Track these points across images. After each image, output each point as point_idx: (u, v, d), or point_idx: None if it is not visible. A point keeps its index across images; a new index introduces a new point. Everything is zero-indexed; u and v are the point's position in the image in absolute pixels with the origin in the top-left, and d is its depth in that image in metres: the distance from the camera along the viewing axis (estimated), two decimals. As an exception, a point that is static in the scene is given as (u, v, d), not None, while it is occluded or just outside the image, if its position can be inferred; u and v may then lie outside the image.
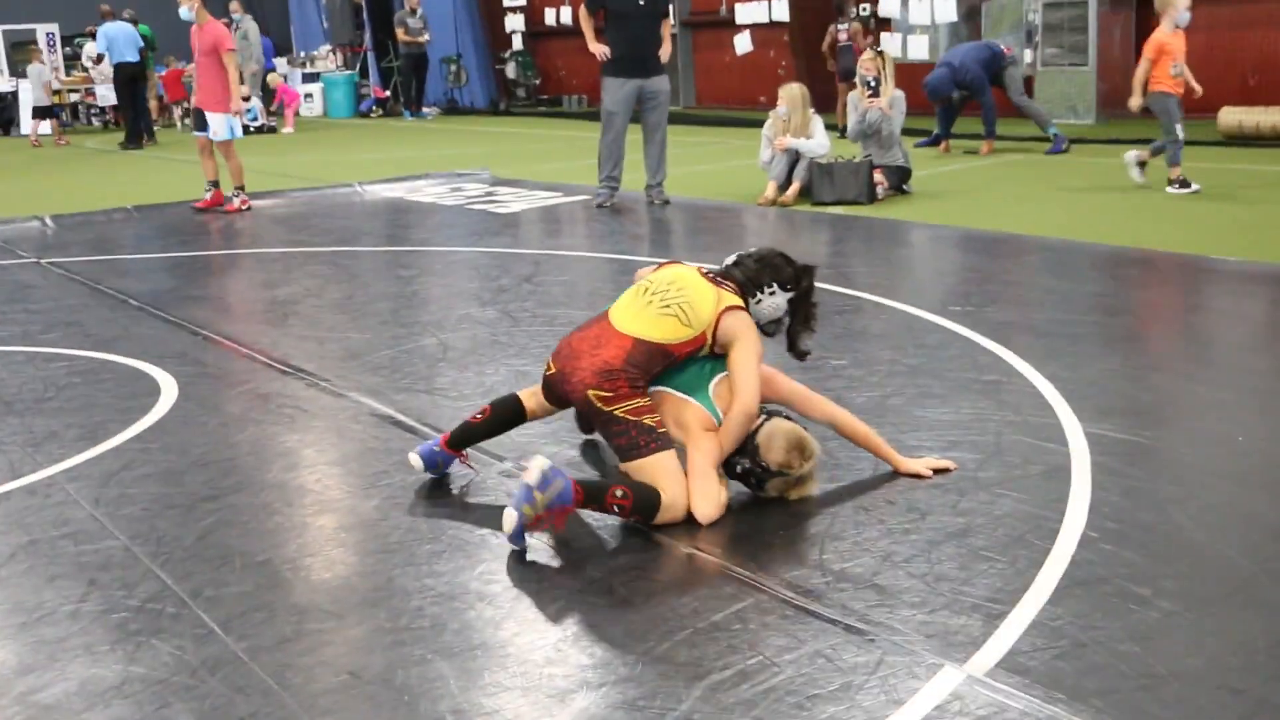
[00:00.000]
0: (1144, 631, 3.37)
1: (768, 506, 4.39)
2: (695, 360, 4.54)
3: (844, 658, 3.29)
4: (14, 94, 24.94)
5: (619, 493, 4.16)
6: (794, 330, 4.74)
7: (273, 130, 23.10)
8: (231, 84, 12.59)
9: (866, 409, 5.30)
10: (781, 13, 19.28)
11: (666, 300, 4.49)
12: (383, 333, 7.31)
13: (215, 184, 12.93)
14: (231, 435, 5.56)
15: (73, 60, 26.29)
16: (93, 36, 21.11)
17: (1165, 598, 3.53)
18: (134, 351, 7.02)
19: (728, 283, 4.60)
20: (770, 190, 11.33)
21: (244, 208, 12.80)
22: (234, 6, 23.66)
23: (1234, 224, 9.54)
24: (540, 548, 4.14)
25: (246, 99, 23.11)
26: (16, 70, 25.59)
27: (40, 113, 22.79)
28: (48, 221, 12.51)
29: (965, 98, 14.25)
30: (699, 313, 4.44)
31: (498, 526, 4.27)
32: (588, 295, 8.35)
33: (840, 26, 16.44)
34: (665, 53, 11.41)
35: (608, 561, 4.03)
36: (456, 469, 4.83)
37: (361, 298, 8.58)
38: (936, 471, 4.58)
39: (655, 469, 4.25)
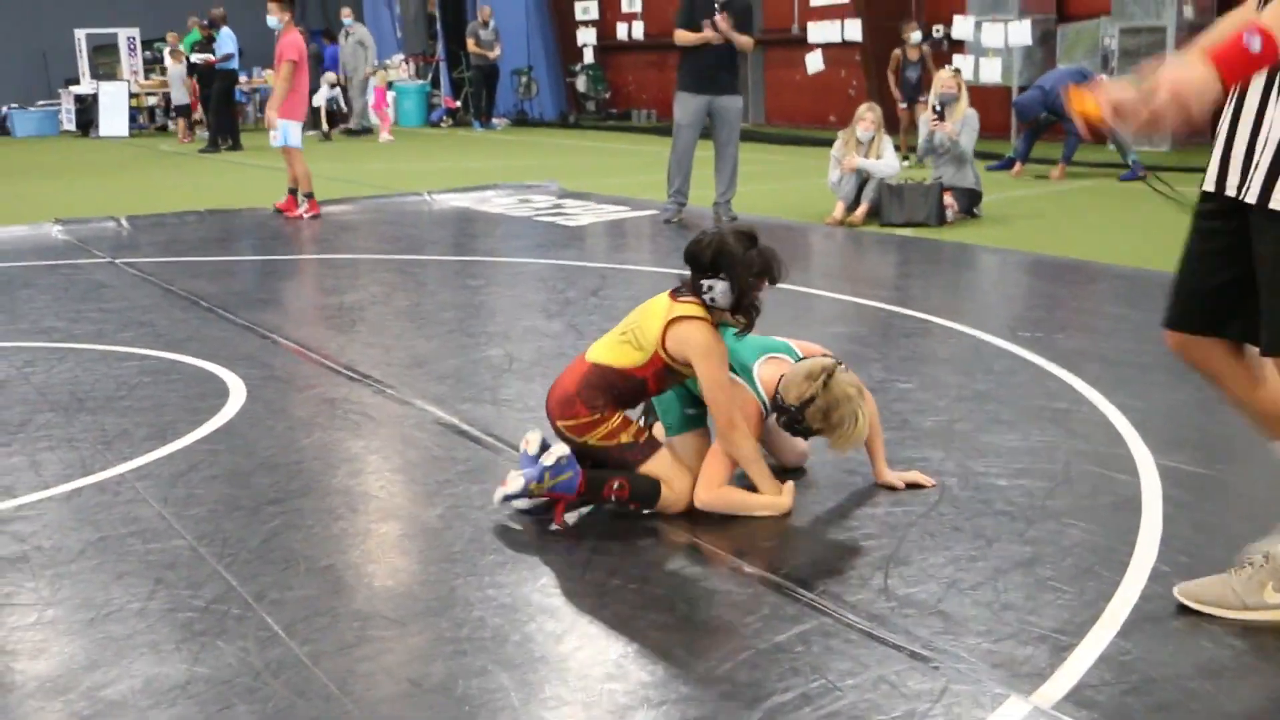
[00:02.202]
0: (1215, 670, 3.32)
1: (832, 528, 4.37)
2: (747, 343, 4.67)
3: (908, 684, 3.26)
4: (94, 96, 25.30)
5: (616, 484, 4.46)
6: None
7: (367, 131, 23.37)
8: (277, 94, 12.80)
9: (934, 433, 5.28)
10: (854, 33, 19.29)
11: (625, 328, 4.58)
12: (449, 341, 7.34)
13: (292, 189, 13.06)
14: (298, 439, 5.59)
15: (151, 64, 26.64)
16: (209, 39, 21.34)
17: (1237, 636, 3.47)
18: (204, 353, 7.09)
19: (685, 292, 4.54)
20: (838, 210, 11.30)
21: (310, 214, 12.90)
22: (345, 12, 24.12)
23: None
24: (601, 563, 4.14)
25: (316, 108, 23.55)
26: (98, 73, 25.95)
27: (180, 111, 23.27)
28: (123, 222, 12.66)
29: (1050, 121, 14.15)
30: (647, 334, 4.48)
31: (562, 539, 4.30)
32: (654, 310, 8.36)
33: (914, 42, 16.26)
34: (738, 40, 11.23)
35: (669, 579, 4.02)
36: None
37: (428, 306, 8.62)
38: (911, 486, 4.63)
39: (653, 472, 4.48)
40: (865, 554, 4.11)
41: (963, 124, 11.42)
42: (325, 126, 23.27)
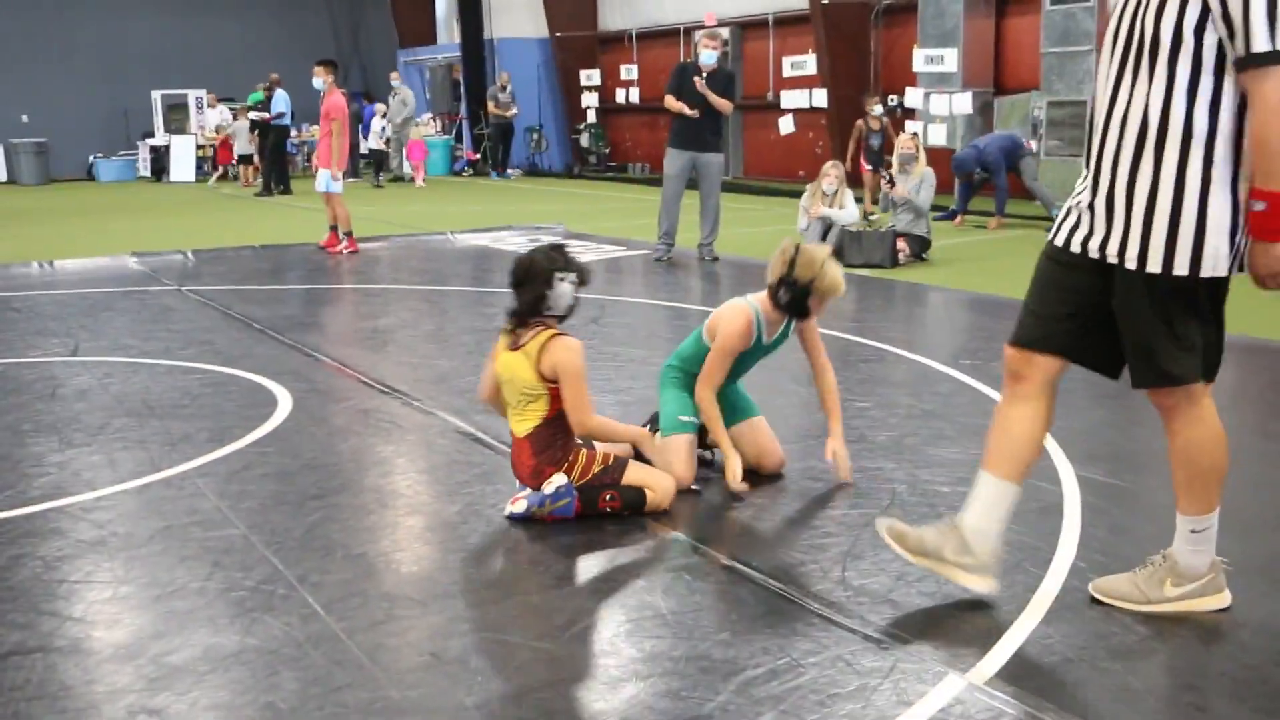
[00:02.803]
0: (1123, 652, 3.32)
1: (797, 527, 4.37)
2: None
3: (862, 662, 3.26)
4: (166, 147, 25.30)
5: (608, 496, 4.44)
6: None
7: (405, 179, 23.34)
8: (333, 148, 12.83)
9: (887, 446, 5.28)
10: (821, 100, 19.33)
11: (516, 397, 4.51)
12: (468, 361, 7.31)
13: (333, 228, 13.05)
14: (336, 444, 5.58)
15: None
16: (267, 100, 21.40)
17: (1142, 624, 3.47)
18: (256, 368, 7.07)
19: (528, 325, 4.51)
20: None
21: (349, 250, 12.88)
22: (394, 76, 24.26)
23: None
24: (595, 559, 4.13)
25: (365, 156, 23.57)
26: (170, 128, 25.93)
27: (243, 160, 23.31)
28: (189, 255, 12.64)
29: (984, 178, 14.20)
30: (528, 379, 4.44)
31: (564, 534, 4.30)
32: (646, 337, 8.34)
33: (875, 113, 16.19)
34: (718, 103, 11.23)
35: (656, 570, 4.01)
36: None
37: (450, 330, 8.61)
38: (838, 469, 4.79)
39: (634, 481, 4.48)
40: (826, 549, 4.10)
41: (921, 182, 11.44)
42: (379, 175, 23.26)
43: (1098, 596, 3.61)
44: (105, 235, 14.80)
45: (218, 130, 24.95)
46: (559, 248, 4.56)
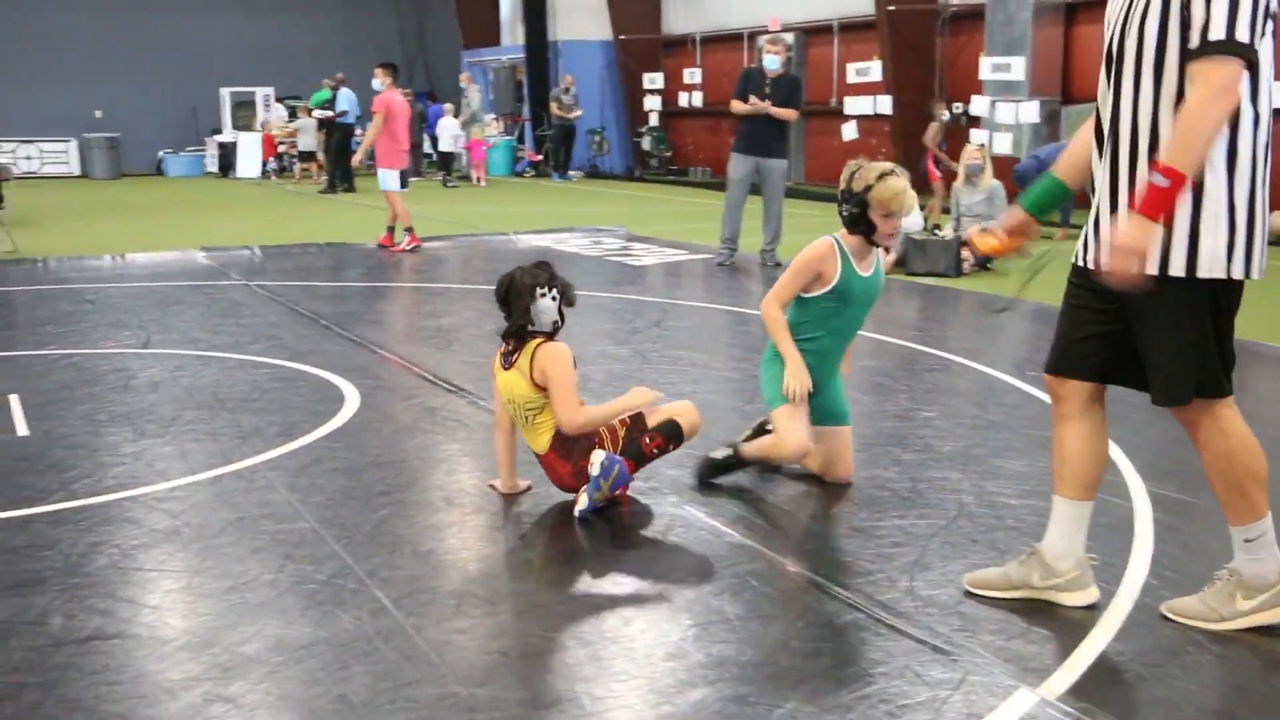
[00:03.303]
0: (1198, 671, 3.28)
1: (864, 536, 4.34)
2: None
3: (930, 674, 3.23)
4: (234, 144, 25.64)
5: (648, 439, 4.54)
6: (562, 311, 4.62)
7: (466, 179, 23.50)
8: (366, 142, 13.46)
9: (953, 456, 5.24)
10: (885, 106, 19.22)
11: (522, 415, 4.57)
12: (533, 362, 7.34)
13: (390, 228, 13.20)
14: (403, 441, 5.62)
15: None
16: (332, 98, 21.68)
17: (1216, 643, 3.42)
18: (323, 364, 7.14)
19: (524, 339, 4.55)
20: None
21: (409, 247, 13.00)
22: (463, 78, 24.56)
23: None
24: (662, 563, 4.13)
25: (429, 156, 23.75)
26: (237, 124, 26.26)
27: (305, 156, 23.63)
28: (256, 250, 12.78)
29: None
30: (525, 393, 4.51)
31: (630, 536, 4.30)
32: (707, 341, 8.34)
33: (945, 120, 16.07)
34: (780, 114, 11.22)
35: (723, 576, 3.99)
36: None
37: (515, 331, 8.63)
38: None
39: (662, 416, 4.58)
40: (893, 559, 4.08)
41: (988, 194, 11.38)
42: (449, 174, 23.44)
43: (1171, 618, 3.57)
44: (174, 230, 15.00)
45: (262, 126, 25.33)
46: (543, 264, 4.61)
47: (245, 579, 3.91)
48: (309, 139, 23.62)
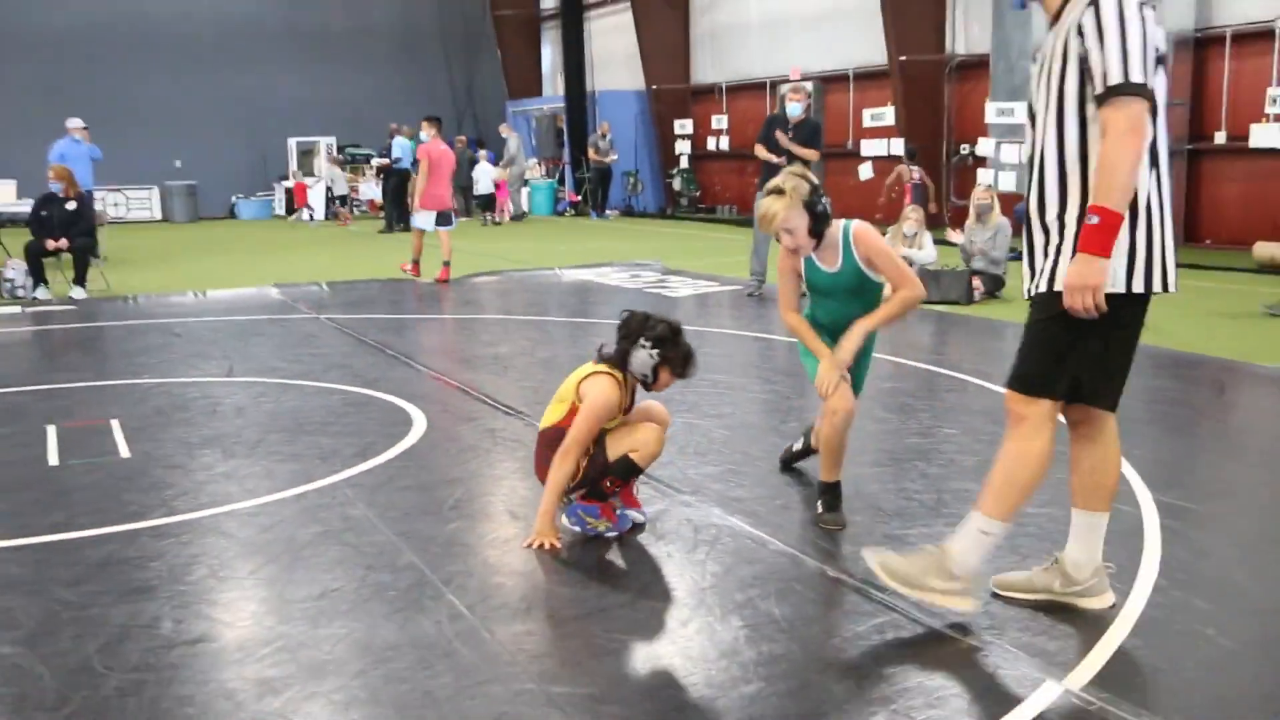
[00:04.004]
0: (1210, 663, 3.29)
1: (897, 544, 4.35)
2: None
3: (965, 668, 3.26)
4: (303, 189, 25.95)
5: (607, 483, 4.47)
6: (660, 370, 4.44)
7: (497, 223, 23.66)
8: (417, 190, 13.81)
9: (975, 469, 5.24)
10: (898, 149, 19.24)
11: (557, 394, 4.58)
12: (582, 386, 7.39)
13: (446, 263, 13.52)
14: (468, 460, 5.67)
15: (345, 164, 27.21)
16: (387, 148, 22.00)
17: (1227, 637, 3.44)
18: (392, 390, 7.21)
19: (604, 358, 4.51)
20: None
21: (410, 274, 13.60)
22: (503, 128, 24.79)
23: (1271, 336, 9.24)
24: (714, 570, 4.16)
25: (478, 198, 24.01)
26: (303, 171, 26.54)
27: (340, 200, 23.93)
28: (324, 286, 12.91)
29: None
30: (565, 391, 4.51)
31: (681, 541, 4.34)
32: (740, 365, 8.37)
33: (912, 168, 16.72)
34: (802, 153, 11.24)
35: (771, 580, 4.02)
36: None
37: (563, 358, 8.68)
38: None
39: (617, 451, 4.45)
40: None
41: (996, 231, 11.40)
42: (491, 214, 23.64)
43: (875, 568, 3.64)
44: (249, 268, 15.16)
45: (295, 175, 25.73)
46: (666, 323, 4.47)
47: (332, 587, 3.97)
48: (370, 186, 23.94)
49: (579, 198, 26.08)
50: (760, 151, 11.40)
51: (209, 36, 26.93)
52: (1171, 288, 3.34)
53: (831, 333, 4.67)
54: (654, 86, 25.46)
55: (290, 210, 25.92)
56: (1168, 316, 10.23)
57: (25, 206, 14.61)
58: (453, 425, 6.36)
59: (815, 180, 4.60)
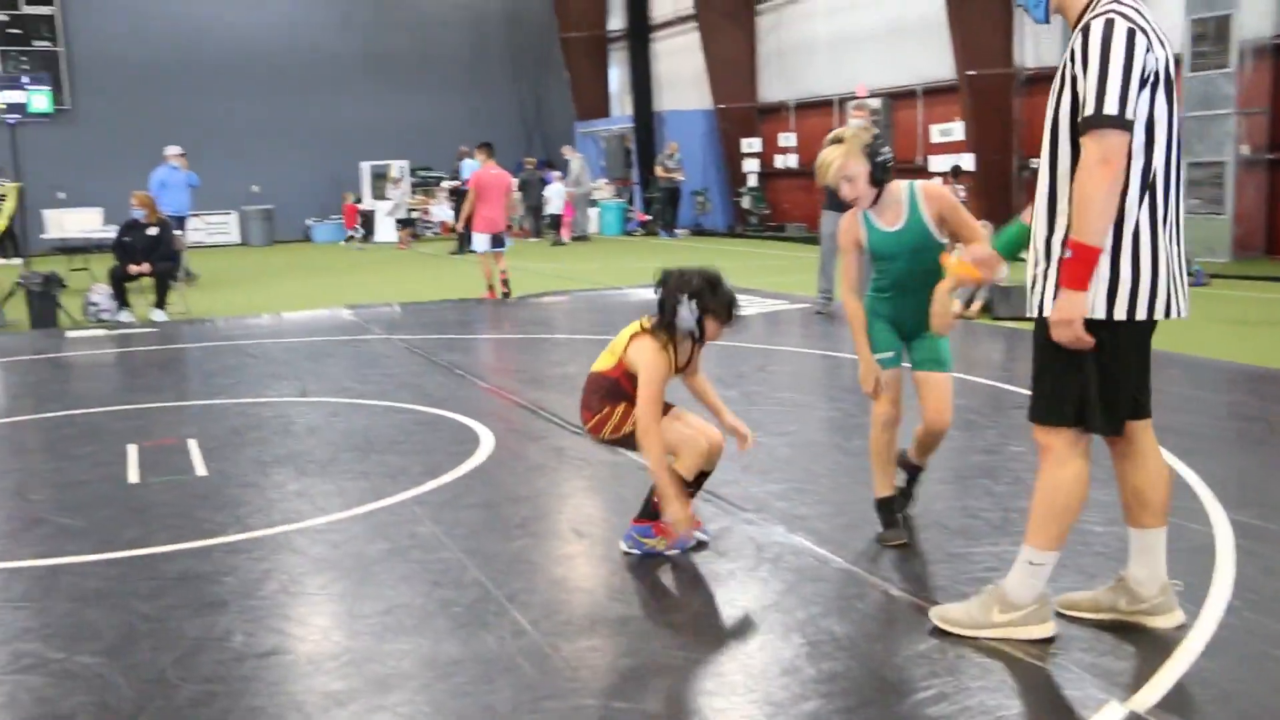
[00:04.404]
0: (1281, 686, 3.23)
1: (959, 561, 4.34)
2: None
3: (1026, 688, 3.23)
4: (372, 211, 26.34)
5: (656, 499, 4.43)
6: (705, 322, 4.40)
7: (561, 243, 23.85)
8: (464, 212, 14.23)
9: (1040, 487, 5.18)
10: (967, 164, 19.08)
11: (611, 343, 4.64)
12: (648, 405, 7.42)
13: (504, 282, 13.86)
14: (535, 478, 5.73)
15: (416, 186, 27.61)
16: (457, 170, 22.38)
17: (1299, 660, 3.37)
18: (460, 409, 7.30)
19: (653, 318, 4.50)
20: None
21: (491, 299, 13.75)
22: (566, 150, 25.09)
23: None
24: (775, 589, 4.16)
25: (545, 219, 24.28)
26: (375, 194, 26.97)
27: (401, 224, 24.33)
28: (395, 307, 13.09)
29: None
30: (617, 344, 4.57)
31: (744, 559, 4.34)
32: (807, 383, 8.36)
33: (957, 185, 16.62)
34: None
35: (832, 599, 4.02)
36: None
37: (630, 376, 8.72)
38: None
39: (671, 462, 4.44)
40: (987, 583, 4.04)
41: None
42: (560, 234, 23.88)
43: (938, 624, 3.63)
44: (322, 289, 15.44)
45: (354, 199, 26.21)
46: (706, 275, 4.43)
47: (398, 602, 4.03)
48: (442, 208, 24.28)
49: (648, 217, 26.17)
50: None
51: (284, 64, 27.51)
52: (1175, 313, 3.33)
53: (893, 321, 4.57)
54: (721, 105, 25.51)
55: (367, 234, 26.32)
56: (1242, 332, 10.04)
57: (111, 232, 15.00)
58: (520, 444, 6.43)
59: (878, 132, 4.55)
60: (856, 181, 4.44)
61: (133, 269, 12.69)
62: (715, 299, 4.39)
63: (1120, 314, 3.28)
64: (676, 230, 24.90)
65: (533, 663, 3.49)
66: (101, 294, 12.90)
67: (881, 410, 4.53)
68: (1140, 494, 3.57)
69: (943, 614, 3.65)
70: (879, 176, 4.44)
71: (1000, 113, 19.03)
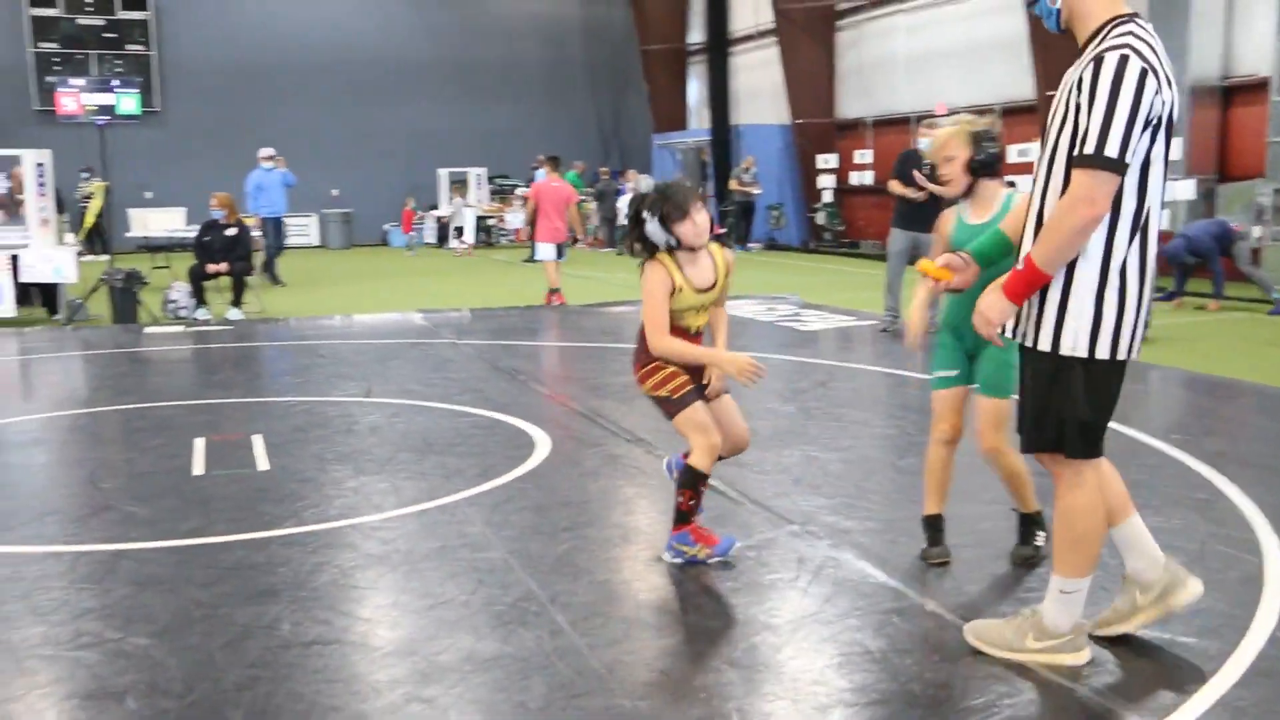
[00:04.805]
0: (1317, 718, 3.20)
1: (1001, 581, 4.34)
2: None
3: (1056, 708, 3.25)
4: (449, 217, 26.69)
5: (679, 499, 4.53)
6: (672, 229, 4.44)
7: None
8: (525, 222, 14.95)
9: (1091, 511, 5.16)
10: (1024, 186, 18.87)
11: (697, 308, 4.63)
12: (705, 416, 7.47)
13: (551, 290, 14.22)
14: (587, 484, 5.81)
15: (495, 194, 27.94)
16: (532, 179, 22.63)
17: (1338, 693, 3.34)
18: (519, 414, 7.41)
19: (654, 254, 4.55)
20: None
21: (556, 303, 14.02)
22: (630, 174, 25.27)
23: None
24: (813, 594, 4.20)
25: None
26: (452, 200, 27.33)
27: (459, 232, 24.68)
28: (465, 313, 13.28)
29: (1198, 263, 13.60)
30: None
31: (786, 570, 4.39)
32: (870, 401, 8.36)
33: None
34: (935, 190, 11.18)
35: (869, 612, 4.04)
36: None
37: (691, 388, 8.78)
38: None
39: (682, 427, 4.54)
40: (1026, 603, 4.05)
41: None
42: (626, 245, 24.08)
43: (970, 641, 3.64)
44: (396, 293, 15.70)
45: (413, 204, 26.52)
46: (650, 192, 4.55)
47: (443, 599, 4.13)
48: (517, 216, 24.52)
49: (723, 230, 26.18)
50: (895, 187, 11.38)
51: (368, 71, 28.01)
52: (1134, 354, 3.39)
53: (957, 331, 4.54)
54: (799, 121, 25.48)
55: (442, 240, 26.69)
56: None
57: (192, 232, 15.41)
58: (575, 450, 6.52)
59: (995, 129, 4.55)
60: (954, 163, 4.45)
61: (210, 268, 13.03)
62: (670, 203, 4.44)
63: (1103, 353, 3.31)
64: (750, 244, 24.91)
65: (568, 662, 3.57)
66: (180, 292, 13.26)
67: (939, 428, 4.55)
68: (1114, 493, 3.63)
69: (977, 632, 3.67)
70: (975, 165, 4.44)
71: (1081, 134, 18.81)
